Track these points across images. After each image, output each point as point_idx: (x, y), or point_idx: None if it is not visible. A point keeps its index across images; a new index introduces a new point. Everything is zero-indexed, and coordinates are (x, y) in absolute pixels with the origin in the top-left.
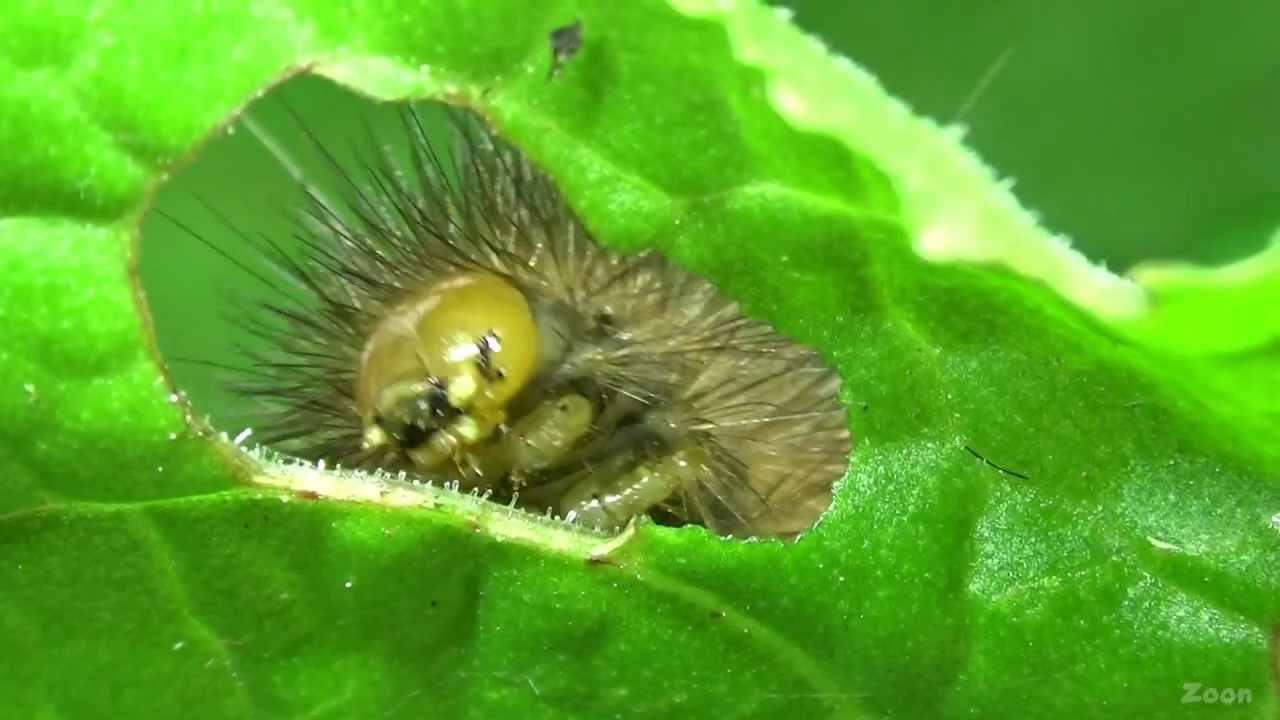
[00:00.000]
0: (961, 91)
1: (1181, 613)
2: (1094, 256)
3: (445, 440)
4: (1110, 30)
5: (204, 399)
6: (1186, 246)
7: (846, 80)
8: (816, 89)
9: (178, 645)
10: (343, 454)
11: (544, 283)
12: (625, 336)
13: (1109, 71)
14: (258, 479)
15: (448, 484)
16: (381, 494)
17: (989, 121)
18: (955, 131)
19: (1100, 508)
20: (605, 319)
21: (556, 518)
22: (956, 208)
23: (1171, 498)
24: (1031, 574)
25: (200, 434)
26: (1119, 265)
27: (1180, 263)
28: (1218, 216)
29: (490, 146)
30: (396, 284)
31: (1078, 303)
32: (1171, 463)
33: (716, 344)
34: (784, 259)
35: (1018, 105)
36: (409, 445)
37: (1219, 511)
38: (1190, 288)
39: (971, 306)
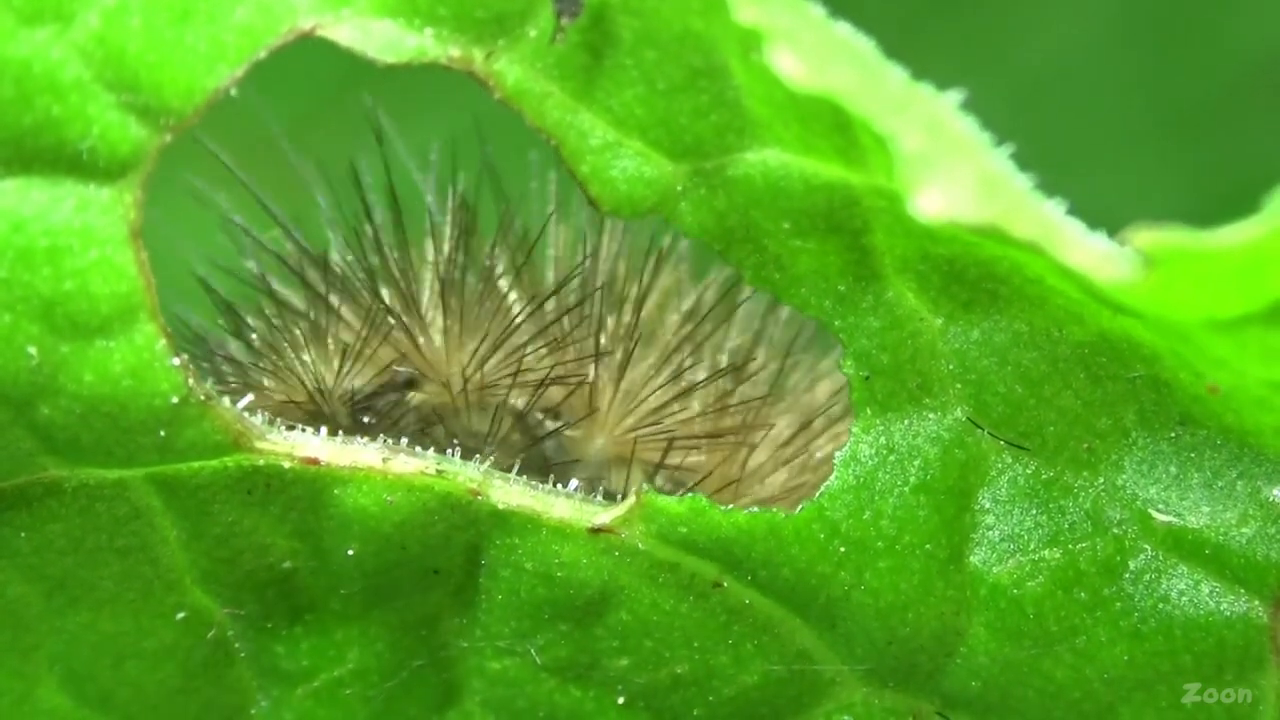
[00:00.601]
0: (966, 74)
1: (1182, 585)
2: (1108, 234)
3: None
4: (1116, 13)
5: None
6: (1202, 224)
7: (845, 44)
8: (814, 51)
9: (180, 615)
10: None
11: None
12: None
13: (1114, 55)
14: (260, 445)
15: (449, 450)
16: (384, 460)
17: (993, 105)
18: (954, 96)
19: (1101, 480)
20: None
21: (558, 485)
22: (952, 170)
23: (1173, 470)
24: (1032, 546)
25: (202, 398)
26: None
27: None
28: (1223, 199)
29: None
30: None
31: (1072, 266)
32: (1173, 435)
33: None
34: (786, 226)
35: (1022, 88)
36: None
37: (1220, 484)
38: (1184, 250)
39: (973, 276)
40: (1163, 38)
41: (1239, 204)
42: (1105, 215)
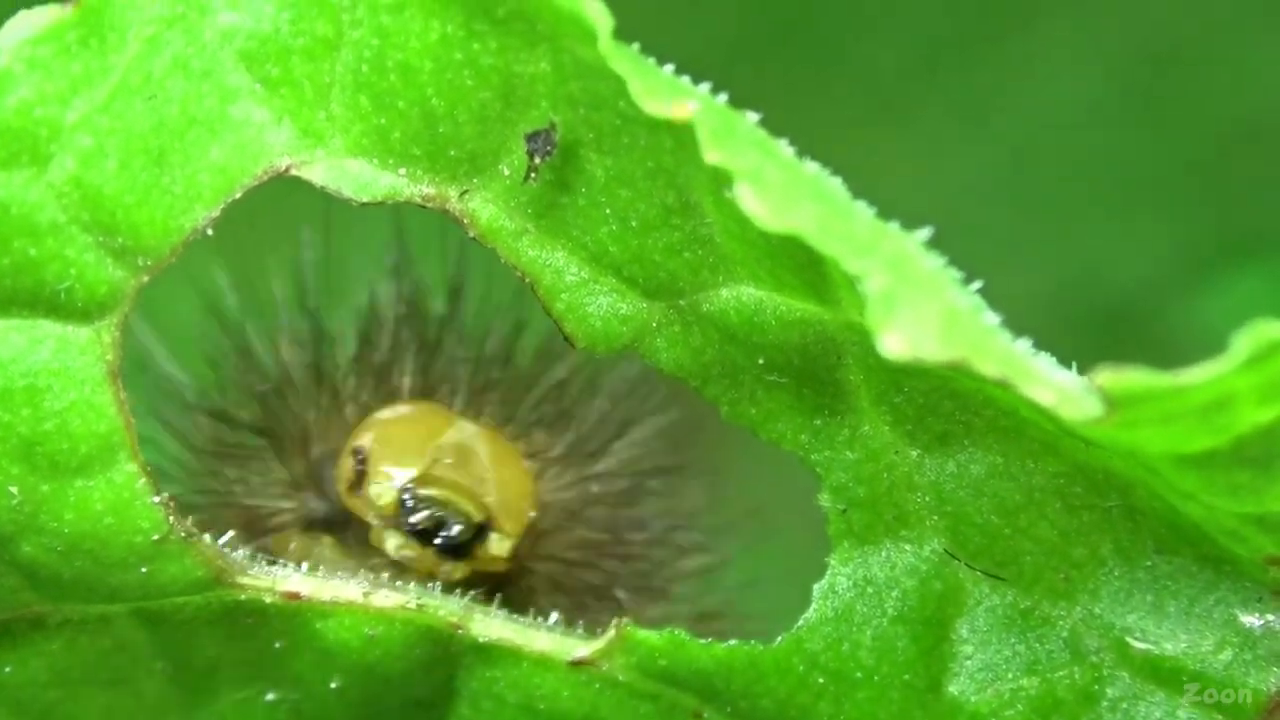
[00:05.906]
0: (958, 133)
1: (1159, 713)
2: (1095, 294)
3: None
4: (1107, 76)
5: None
6: (1187, 285)
7: (812, 181)
8: (780, 190)
9: None
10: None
11: None
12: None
13: (1110, 112)
14: (241, 580)
15: (430, 584)
16: (365, 594)
17: (992, 162)
18: (922, 233)
19: (1079, 609)
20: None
21: (539, 619)
22: (918, 308)
23: (1149, 598)
24: (1010, 675)
25: (183, 535)
26: (1120, 303)
27: (1177, 304)
28: (1211, 259)
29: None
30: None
31: (1039, 403)
32: (1149, 564)
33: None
34: (760, 362)
35: (1014, 149)
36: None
37: (1196, 611)
38: (1147, 389)
39: (947, 409)
40: (1160, 98)
41: (1235, 261)
42: (1095, 273)
